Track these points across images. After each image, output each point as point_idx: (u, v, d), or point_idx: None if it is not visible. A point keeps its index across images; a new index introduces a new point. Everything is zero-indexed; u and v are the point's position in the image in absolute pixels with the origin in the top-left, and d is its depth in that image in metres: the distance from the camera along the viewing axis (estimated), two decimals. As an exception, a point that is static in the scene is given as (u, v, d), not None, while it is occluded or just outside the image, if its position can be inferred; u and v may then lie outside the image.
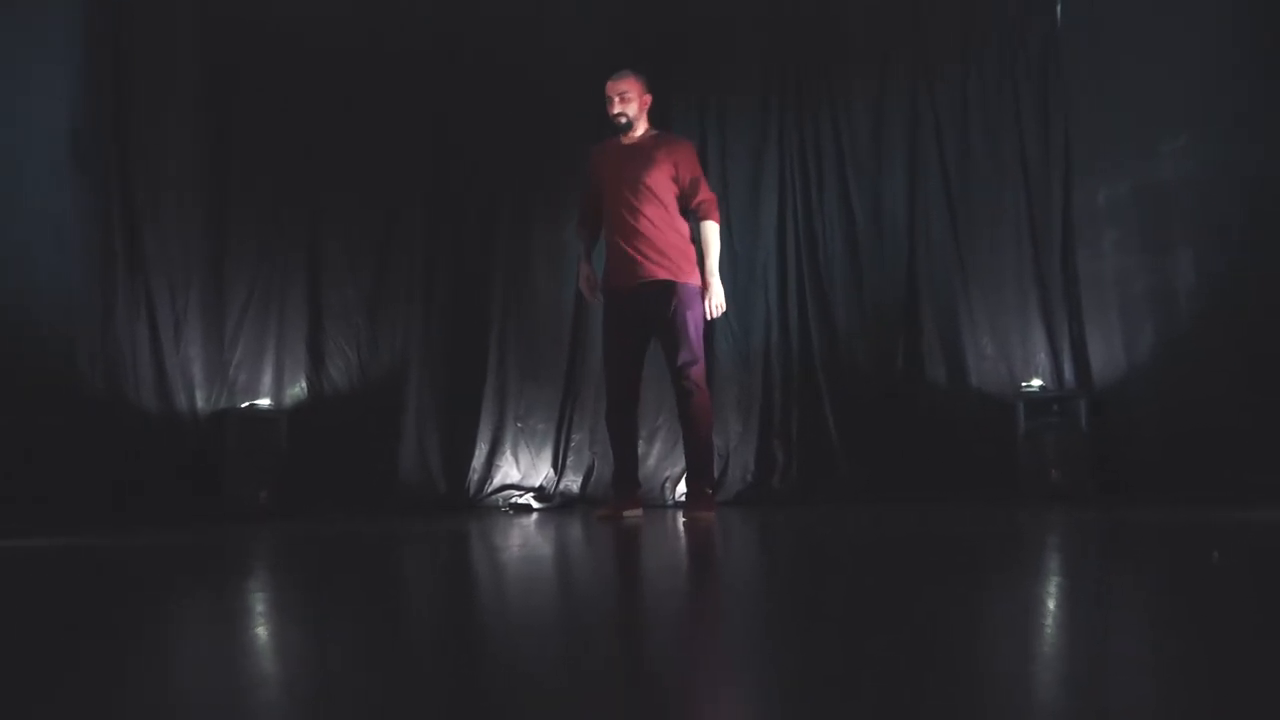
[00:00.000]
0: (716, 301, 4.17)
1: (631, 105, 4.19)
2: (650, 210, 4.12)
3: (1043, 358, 5.42)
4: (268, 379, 5.36)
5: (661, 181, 4.15)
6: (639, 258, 4.11)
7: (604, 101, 4.28)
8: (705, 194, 4.24)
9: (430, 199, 5.59)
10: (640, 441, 5.25)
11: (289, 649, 1.63)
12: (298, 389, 5.42)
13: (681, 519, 4.14)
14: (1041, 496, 4.87)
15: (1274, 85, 4.09)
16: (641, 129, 4.25)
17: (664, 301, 4.06)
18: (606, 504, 4.54)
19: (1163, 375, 4.79)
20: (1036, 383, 5.28)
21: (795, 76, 5.73)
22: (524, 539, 3.69)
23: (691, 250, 4.20)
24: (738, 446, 5.41)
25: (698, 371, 4.07)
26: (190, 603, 2.22)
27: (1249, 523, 3.29)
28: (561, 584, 2.56)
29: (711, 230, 4.22)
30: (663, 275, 4.08)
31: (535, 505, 5.27)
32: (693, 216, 4.24)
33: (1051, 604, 1.90)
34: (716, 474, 5.35)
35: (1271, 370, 4.06)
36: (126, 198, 5.15)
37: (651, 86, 4.37)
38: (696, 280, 4.16)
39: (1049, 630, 1.64)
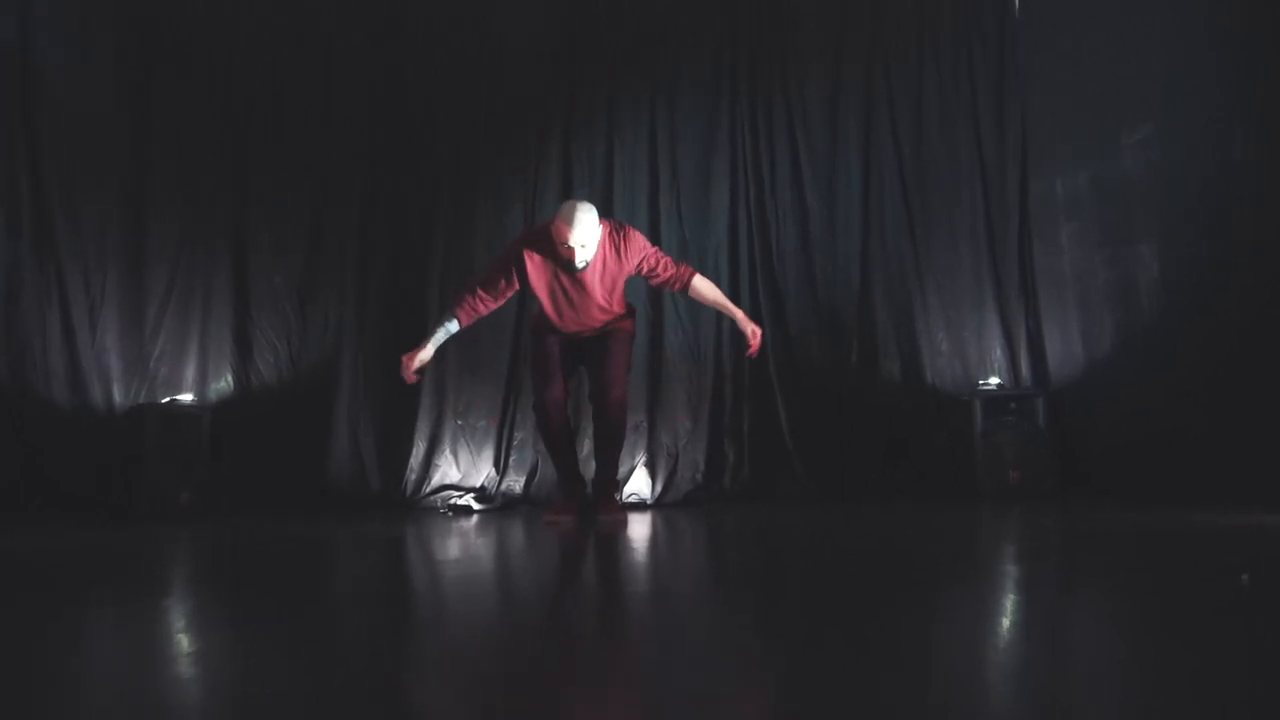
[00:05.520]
0: (756, 333, 4.27)
1: (591, 250, 4.09)
2: (599, 308, 4.26)
3: (999, 354, 5.53)
4: (191, 372, 5.28)
5: (617, 287, 4.27)
6: (584, 337, 4.33)
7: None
8: (672, 268, 4.28)
9: (365, 182, 5.53)
10: (586, 440, 5.29)
11: (207, 661, 1.62)
12: (223, 383, 5.34)
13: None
14: (999, 496, 4.96)
15: (1236, 75, 4.20)
16: None
17: (603, 341, 4.30)
18: (553, 508, 4.57)
19: (1123, 372, 4.91)
20: (993, 380, 5.38)
21: (748, 60, 5.76)
22: (463, 543, 3.68)
23: (630, 320, 4.43)
24: (687, 445, 5.44)
25: (620, 389, 4.29)
26: (102, 611, 2.19)
27: (1219, 527, 3.39)
28: (501, 591, 2.57)
29: (705, 285, 4.35)
30: (603, 333, 4.34)
31: (476, 506, 5.25)
32: (669, 286, 4.37)
33: (1007, 619, 1.95)
34: (666, 473, 5.40)
35: (1234, 367, 4.18)
36: (34, 176, 5.06)
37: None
38: (632, 330, 4.46)
39: (1005, 643, 1.68)
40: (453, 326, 4.24)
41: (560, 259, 4.10)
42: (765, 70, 5.75)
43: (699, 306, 5.54)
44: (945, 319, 5.56)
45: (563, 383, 4.36)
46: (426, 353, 4.19)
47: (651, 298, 5.52)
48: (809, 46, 5.76)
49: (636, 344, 5.42)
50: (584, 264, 4.09)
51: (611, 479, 4.48)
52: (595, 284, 4.18)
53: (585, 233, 4.02)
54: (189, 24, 5.46)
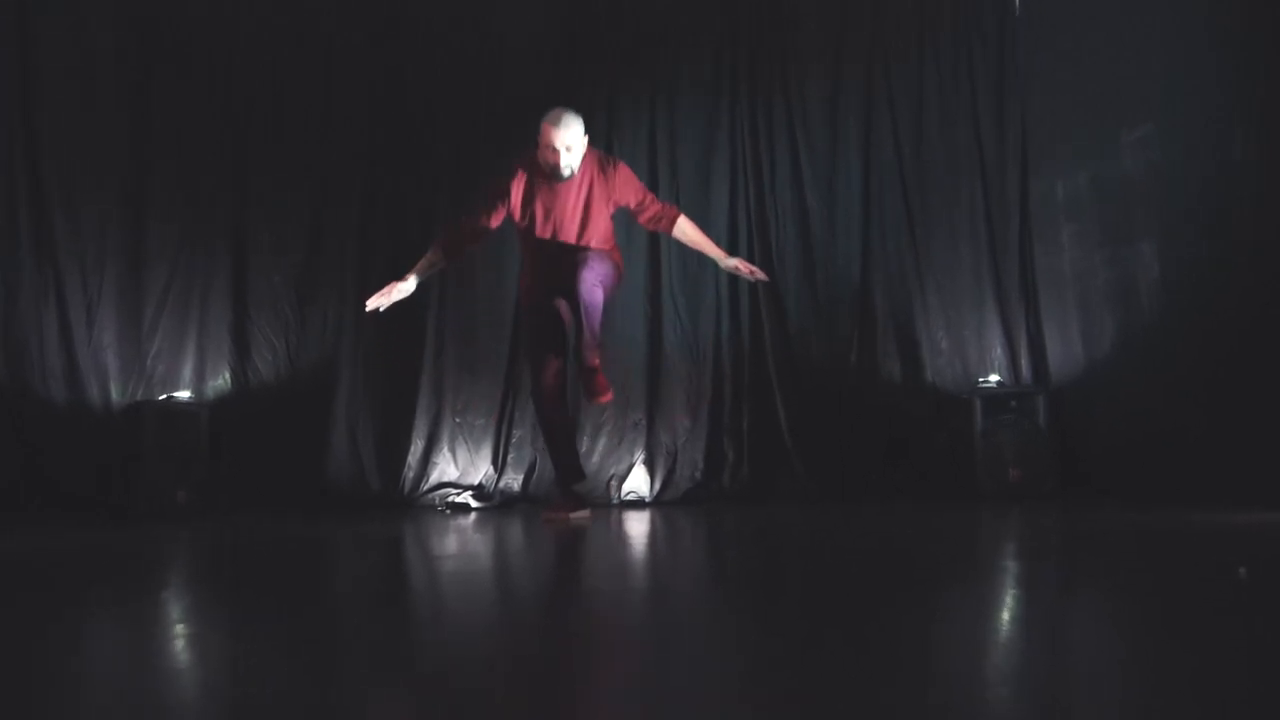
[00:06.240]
0: (741, 264, 4.35)
1: (576, 157, 4.05)
2: (588, 242, 4.16)
3: (999, 353, 5.53)
4: (189, 370, 5.28)
5: (601, 211, 4.19)
6: (569, 276, 4.09)
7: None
8: (659, 204, 4.28)
9: (365, 182, 5.53)
10: (585, 438, 5.29)
11: (206, 661, 1.63)
12: (221, 381, 5.34)
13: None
14: (999, 496, 4.97)
15: (1236, 75, 4.20)
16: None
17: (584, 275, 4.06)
18: (551, 506, 4.56)
19: (1123, 371, 4.91)
20: (994, 379, 5.39)
21: (748, 60, 5.76)
22: (461, 541, 3.69)
23: (615, 252, 4.30)
24: (686, 443, 5.45)
25: (594, 344, 4.06)
26: (101, 611, 2.19)
27: (1220, 526, 3.39)
28: (500, 590, 2.58)
29: (689, 225, 4.34)
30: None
31: (474, 504, 5.26)
32: (656, 224, 4.33)
33: (1007, 619, 1.95)
34: (665, 471, 5.41)
35: (1234, 367, 4.18)
36: (33, 176, 5.05)
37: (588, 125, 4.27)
38: (616, 269, 4.29)
39: (1005, 643, 1.69)
40: (436, 259, 4.20)
41: (547, 171, 4.06)
42: (765, 70, 5.76)
43: (699, 304, 5.55)
44: (945, 318, 5.56)
45: (559, 370, 4.32)
46: (407, 284, 4.13)
47: (650, 295, 5.52)
48: (809, 46, 5.76)
49: (635, 341, 5.45)
50: (569, 171, 4.04)
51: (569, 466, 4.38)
52: (578, 203, 4.10)
53: (571, 135, 4.00)
54: (189, 24, 5.46)
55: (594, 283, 4.03)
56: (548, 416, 4.35)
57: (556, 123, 4.00)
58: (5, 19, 5.07)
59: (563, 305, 4.19)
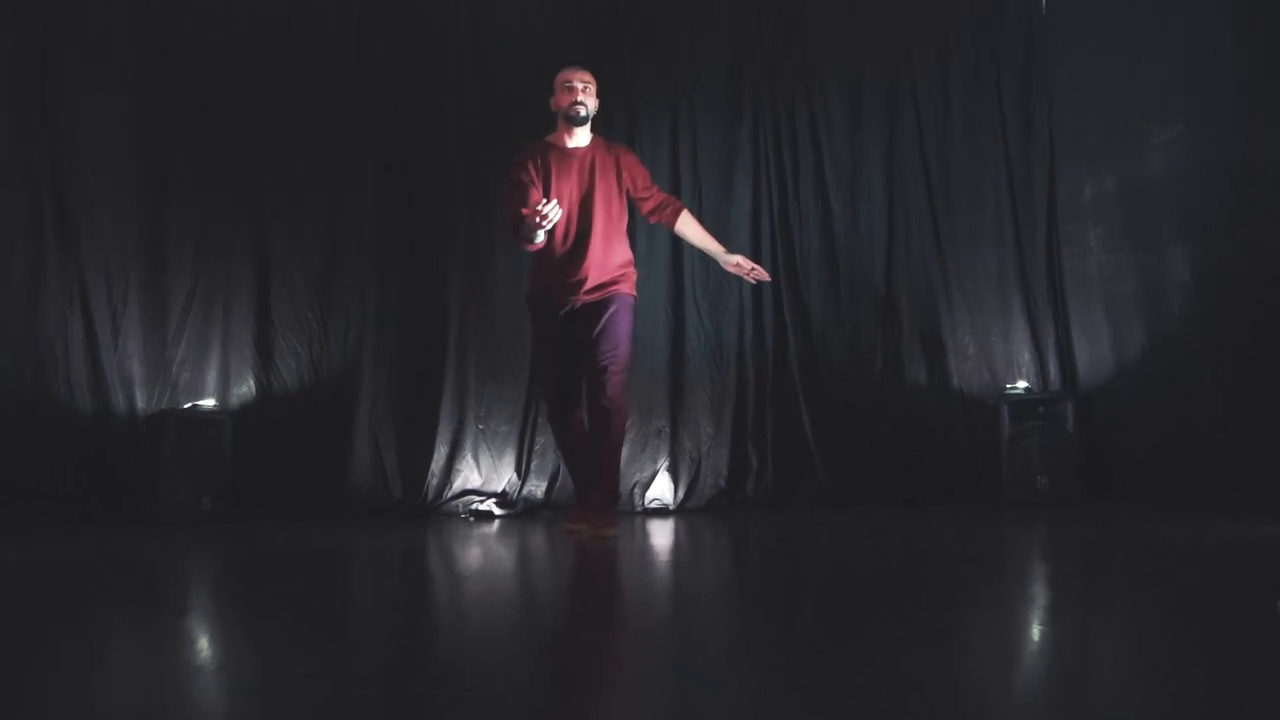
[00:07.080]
0: (743, 262, 4.25)
1: (593, 99, 4.15)
2: (598, 227, 4.08)
3: (1027, 358, 5.48)
4: (213, 378, 5.31)
5: (611, 194, 4.13)
6: (582, 277, 4.03)
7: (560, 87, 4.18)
8: (663, 195, 4.28)
9: (383, 186, 5.55)
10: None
11: (227, 667, 1.63)
12: (245, 389, 5.37)
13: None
14: (1026, 502, 4.93)
15: (1264, 75, 4.15)
16: (588, 133, 4.19)
17: (600, 313, 4.03)
18: (571, 516, 4.50)
19: (1152, 376, 4.86)
20: (1021, 384, 5.34)
21: (769, 64, 5.73)
22: (484, 551, 3.69)
23: (632, 265, 4.18)
24: (710, 450, 5.43)
25: (618, 380, 4.00)
26: (120, 617, 2.20)
27: (1252, 538, 3.35)
28: (523, 598, 2.57)
29: (692, 220, 4.32)
30: (600, 296, 4.04)
31: (497, 512, 5.26)
32: (659, 214, 4.26)
33: (1034, 637, 1.93)
34: (689, 479, 5.39)
35: (1265, 373, 4.13)
36: (56, 182, 5.10)
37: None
38: (632, 292, 4.14)
39: (1033, 662, 1.67)
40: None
41: (566, 114, 4.10)
42: (787, 74, 5.73)
43: (722, 311, 5.53)
44: (971, 323, 5.52)
45: (575, 392, 4.20)
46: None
47: (673, 301, 5.51)
48: (832, 50, 5.72)
49: (658, 348, 5.43)
50: (585, 111, 4.10)
51: (611, 485, 4.11)
52: (596, 188, 4.06)
53: (586, 76, 4.14)
54: (205, 32, 5.49)
55: (620, 366, 3.99)
56: (565, 441, 4.28)
57: (573, 66, 4.19)
58: (28, 24, 5.12)
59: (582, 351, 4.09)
